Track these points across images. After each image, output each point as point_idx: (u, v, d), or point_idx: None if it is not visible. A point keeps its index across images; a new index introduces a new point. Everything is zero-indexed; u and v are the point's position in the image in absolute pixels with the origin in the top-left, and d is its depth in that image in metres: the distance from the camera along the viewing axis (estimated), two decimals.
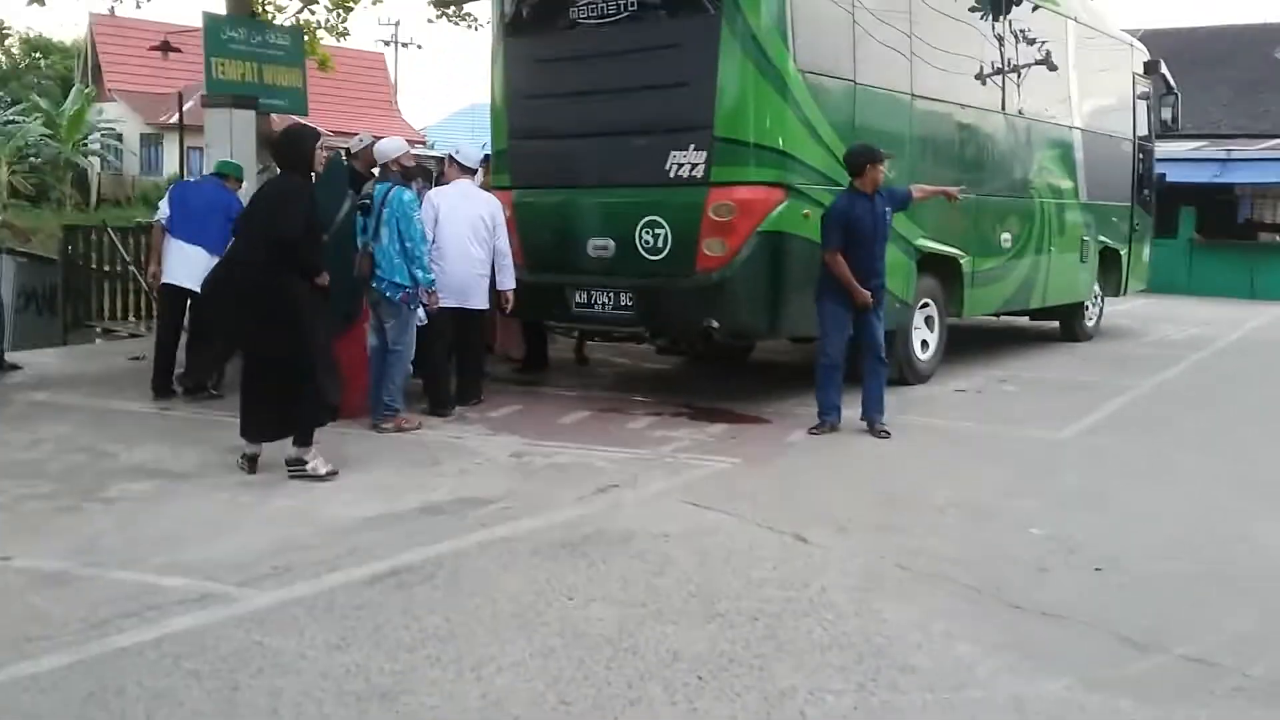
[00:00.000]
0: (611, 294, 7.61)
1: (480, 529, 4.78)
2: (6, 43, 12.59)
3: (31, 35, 40.17)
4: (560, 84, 7.84)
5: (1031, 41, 10.14)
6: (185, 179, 13.13)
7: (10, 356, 8.85)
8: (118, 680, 3.17)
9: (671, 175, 7.22)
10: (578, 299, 7.79)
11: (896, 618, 3.88)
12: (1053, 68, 10.49)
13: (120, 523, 4.76)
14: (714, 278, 7.12)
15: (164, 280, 7.62)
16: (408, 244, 6.61)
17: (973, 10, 9.38)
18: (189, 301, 7.45)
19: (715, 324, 7.19)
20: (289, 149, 5.66)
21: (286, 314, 5.39)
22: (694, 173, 7.18)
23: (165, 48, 18.99)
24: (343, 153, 8.18)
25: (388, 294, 6.68)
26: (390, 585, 4.04)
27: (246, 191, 7.58)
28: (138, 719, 2.97)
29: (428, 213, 7.05)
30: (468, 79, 72.13)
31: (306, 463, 5.49)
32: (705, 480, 5.73)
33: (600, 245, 7.61)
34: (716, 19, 7.08)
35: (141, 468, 5.70)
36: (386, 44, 43.63)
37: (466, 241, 7.16)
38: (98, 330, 10.73)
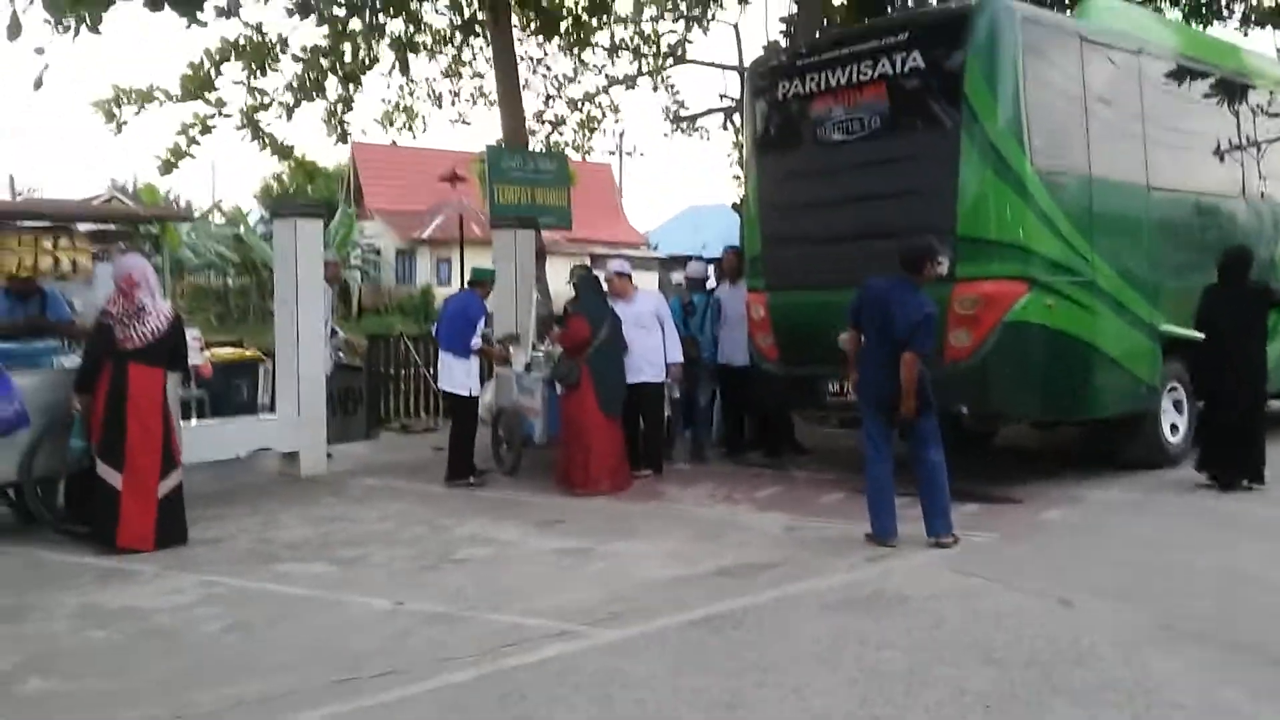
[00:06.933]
0: None
1: (771, 588, 5.50)
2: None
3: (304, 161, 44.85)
4: (809, 195, 8.66)
5: (1277, 123, 10.21)
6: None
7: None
8: (520, 688, 4.07)
9: None
10: (830, 389, 8.46)
11: (1163, 667, 4.30)
12: None
13: (474, 579, 5.78)
14: (961, 366, 7.64)
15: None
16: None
17: (1209, 97, 9.63)
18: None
19: (964, 410, 7.70)
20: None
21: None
22: (939, 270, 7.78)
23: (453, 178, 21.13)
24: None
25: (710, 367, 9.46)
26: (707, 629, 4.81)
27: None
28: (542, 713, 3.85)
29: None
30: (686, 182, 75.15)
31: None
32: (967, 552, 6.23)
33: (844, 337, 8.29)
34: (956, 130, 7.74)
35: (475, 537, 6.77)
36: (611, 154, 46.28)
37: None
38: (395, 426, 12.22)
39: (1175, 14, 14.30)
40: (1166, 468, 8.66)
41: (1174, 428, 8.94)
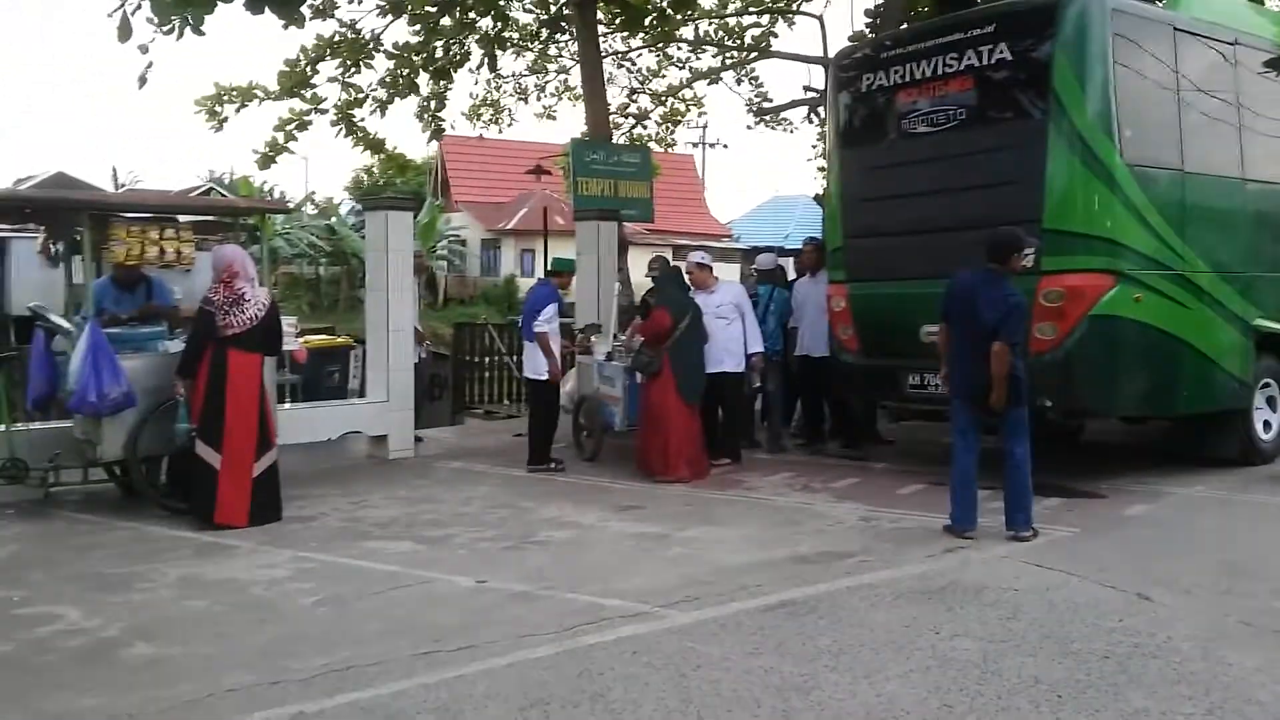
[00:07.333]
0: None
1: (846, 576, 5.55)
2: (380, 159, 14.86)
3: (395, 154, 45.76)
4: (892, 187, 8.63)
5: None
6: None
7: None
8: (596, 665, 4.21)
9: None
10: (911, 381, 8.45)
11: (1241, 663, 4.26)
12: None
13: (555, 559, 5.95)
14: (1045, 359, 7.55)
15: None
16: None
17: None
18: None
19: (1048, 403, 7.61)
20: None
21: None
22: (1024, 262, 7.71)
23: (538, 170, 21.45)
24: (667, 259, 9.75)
25: (773, 358, 9.37)
26: (781, 614, 4.89)
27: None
28: (617, 690, 3.97)
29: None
30: (768, 173, 74.88)
31: None
32: (1046, 545, 6.20)
33: (932, 331, 8.20)
34: (1043, 122, 7.66)
35: (556, 520, 6.94)
36: (695, 145, 46.25)
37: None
38: (480, 412, 12.51)
39: (1274, 2, 13.83)
40: (1258, 464, 8.48)
41: (1266, 424, 8.74)
